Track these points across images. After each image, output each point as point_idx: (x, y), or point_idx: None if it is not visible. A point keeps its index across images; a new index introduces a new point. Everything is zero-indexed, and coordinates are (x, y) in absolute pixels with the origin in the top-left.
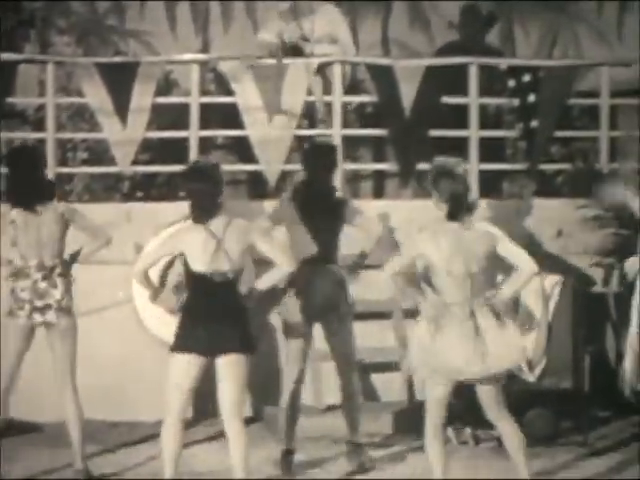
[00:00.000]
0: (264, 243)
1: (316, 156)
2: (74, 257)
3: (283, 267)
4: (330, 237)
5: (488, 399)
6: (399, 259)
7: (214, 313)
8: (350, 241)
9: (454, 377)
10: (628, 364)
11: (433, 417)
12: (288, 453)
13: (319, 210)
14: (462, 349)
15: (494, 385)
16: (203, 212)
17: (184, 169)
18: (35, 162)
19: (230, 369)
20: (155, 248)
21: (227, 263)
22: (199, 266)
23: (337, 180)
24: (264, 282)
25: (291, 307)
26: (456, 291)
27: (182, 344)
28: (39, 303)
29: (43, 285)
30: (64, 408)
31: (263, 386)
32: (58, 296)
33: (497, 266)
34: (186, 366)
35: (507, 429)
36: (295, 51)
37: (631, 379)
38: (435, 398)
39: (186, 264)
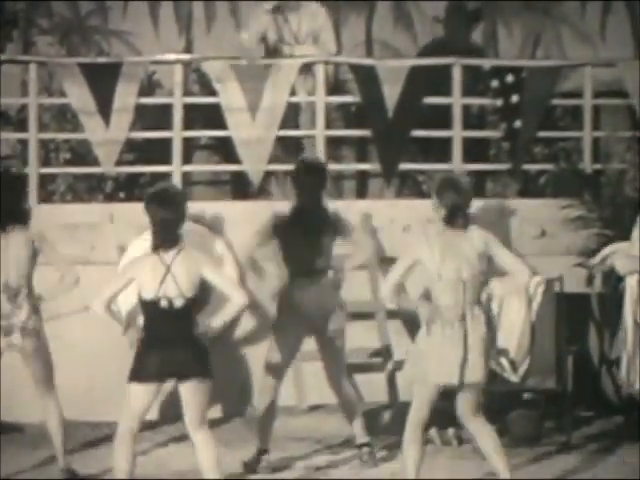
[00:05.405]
0: (215, 276)
1: (306, 174)
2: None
3: (236, 301)
4: (322, 252)
5: (465, 405)
6: (395, 272)
7: (166, 340)
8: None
9: (433, 381)
10: (624, 365)
11: (414, 417)
12: (261, 453)
13: (312, 228)
14: (446, 355)
15: (472, 392)
16: (165, 242)
17: (151, 193)
18: (15, 188)
19: (191, 395)
20: (114, 280)
21: (175, 289)
22: (148, 293)
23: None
24: (219, 319)
25: (273, 346)
26: (448, 295)
27: (137, 375)
28: (3, 323)
29: (7, 306)
30: (44, 412)
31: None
32: (23, 317)
33: (490, 271)
34: (141, 395)
35: (481, 432)
36: (277, 52)
37: (627, 380)
38: (419, 399)
39: (138, 292)
